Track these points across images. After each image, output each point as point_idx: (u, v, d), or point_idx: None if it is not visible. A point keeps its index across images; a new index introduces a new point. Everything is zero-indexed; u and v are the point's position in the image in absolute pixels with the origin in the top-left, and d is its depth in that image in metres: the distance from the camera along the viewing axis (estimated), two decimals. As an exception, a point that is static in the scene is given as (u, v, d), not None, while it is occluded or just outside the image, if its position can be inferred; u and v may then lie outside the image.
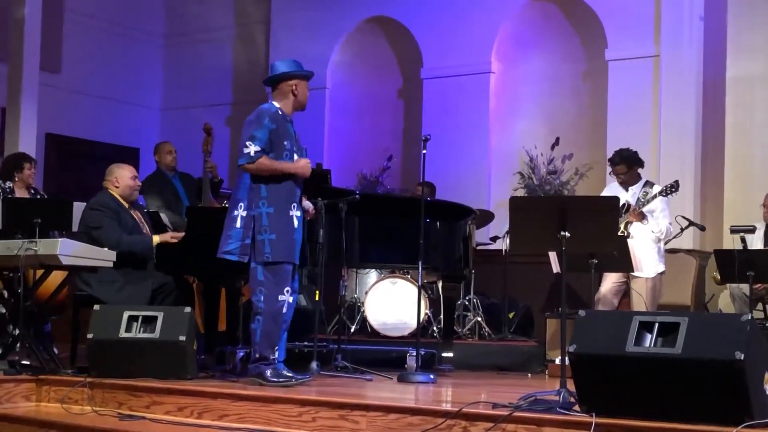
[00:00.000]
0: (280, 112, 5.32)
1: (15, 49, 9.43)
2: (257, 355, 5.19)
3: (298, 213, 5.30)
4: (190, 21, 11.72)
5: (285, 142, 5.27)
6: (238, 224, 5.22)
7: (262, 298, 5.18)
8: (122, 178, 6.32)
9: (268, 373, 5.11)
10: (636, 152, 6.85)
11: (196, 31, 11.65)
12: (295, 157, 5.31)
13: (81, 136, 10.90)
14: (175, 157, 7.77)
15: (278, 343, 5.21)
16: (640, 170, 6.88)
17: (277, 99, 5.39)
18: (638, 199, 6.64)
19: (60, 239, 5.55)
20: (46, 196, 7.35)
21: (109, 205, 6.19)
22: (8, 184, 7.14)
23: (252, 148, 5.18)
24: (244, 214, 5.22)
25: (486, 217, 8.33)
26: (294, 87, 5.35)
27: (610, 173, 7.12)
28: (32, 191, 7.28)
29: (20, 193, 7.14)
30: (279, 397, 4.67)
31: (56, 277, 5.83)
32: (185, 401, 4.89)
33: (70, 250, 5.45)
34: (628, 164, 6.77)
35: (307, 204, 5.50)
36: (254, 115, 5.29)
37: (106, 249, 5.70)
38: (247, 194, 5.24)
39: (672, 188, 6.52)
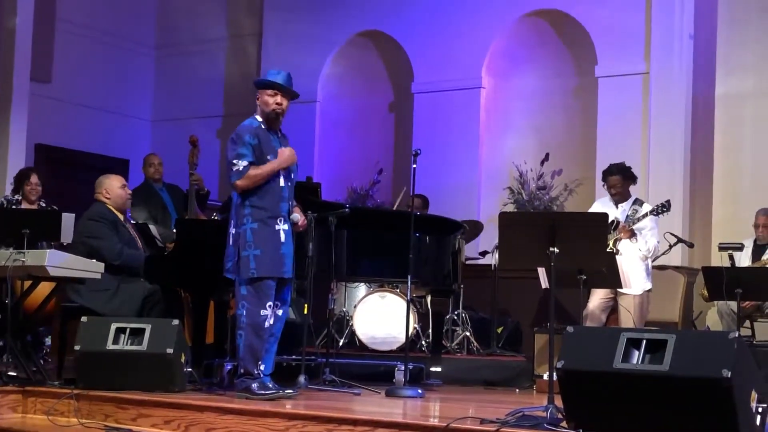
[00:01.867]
0: (263, 126, 5.33)
1: (5, 58, 9.40)
2: (242, 370, 5.19)
3: (285, 227, 5.28)
4: (182, 32, 11.70)
5: (268, 157, 5.25)
6: (231, 242, 5.26)
7: (245, 312, 5.17)
8: (111, 188, 6.30)
9: (254, 386, 5.10)
10: (631, 167, 6.87)
11: (188, 42, 11.63)
12: (281, 178, 5.30)
13: (71, 147, 10.84)
14: (157, 169, 7.74)
15: (263, 357, 5.19)
16: (631, 187, 6.90)
17: (258, 113, 5.40)
18: (627, 216, 6.65)
19: (48, 250, 5.52)
20: (57, 209, 7.22)
21: (107, 216, 6.18)
22: (17, 197, 7.11)
23: (240, 164, 5.18)
24: (233, 231, 5.25)
25: (475, 229, 8.32)
26: (257, 100, 5.38)
27: (603, 186, 7.09)
28: (40, 205, 7.16)
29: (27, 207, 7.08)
30: (266, 411, 4.66)
31: (45, 287, 5.79)
32: (172, 414, 4.88)
33: (58, 261, 5.43)
34: (624, 177, 6.78)
35: (295, 216, 5.38)
36: (234, 134, 5.29)
37: (94, 261, 5.68)
38: (234, 212, 5.26)
39: (663, 208, 6.52)
